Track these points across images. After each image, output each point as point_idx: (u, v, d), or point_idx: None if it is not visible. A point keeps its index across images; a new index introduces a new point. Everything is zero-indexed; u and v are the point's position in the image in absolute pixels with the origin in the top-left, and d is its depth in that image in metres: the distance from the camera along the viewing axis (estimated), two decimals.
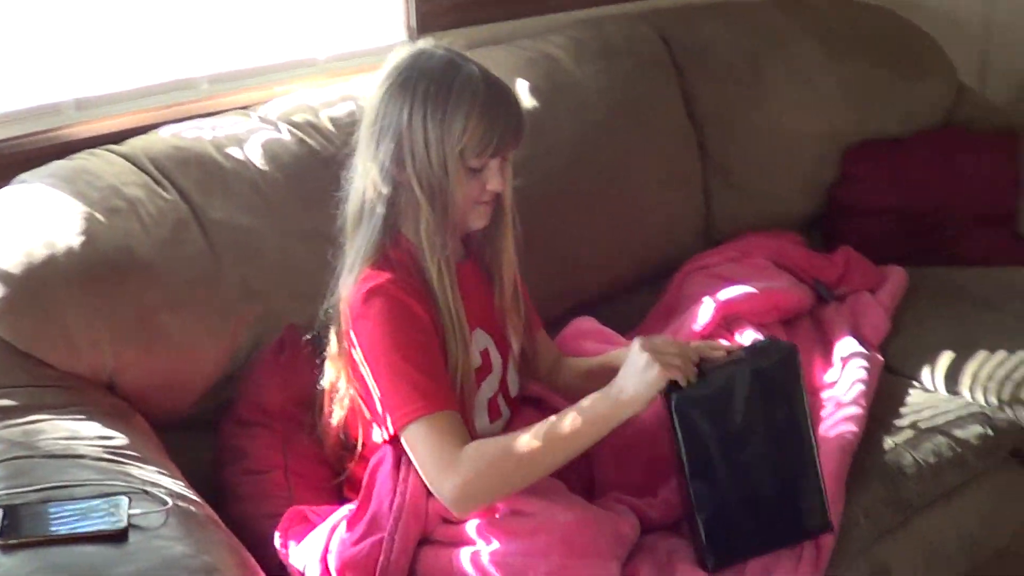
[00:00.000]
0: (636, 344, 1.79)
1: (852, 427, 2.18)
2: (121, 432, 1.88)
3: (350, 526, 1.82)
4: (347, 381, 1.92)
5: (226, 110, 2.38)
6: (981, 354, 2.49)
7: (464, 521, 1.81)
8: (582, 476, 2.02)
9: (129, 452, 1.83)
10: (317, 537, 1.86)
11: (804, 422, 1.84)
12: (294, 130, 2.30)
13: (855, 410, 2.23)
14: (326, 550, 1.83)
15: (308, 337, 2.04)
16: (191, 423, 2.14)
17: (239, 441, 2.06)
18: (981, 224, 2.94)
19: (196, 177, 2.17)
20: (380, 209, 1.86)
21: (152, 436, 1.98)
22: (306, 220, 2.22)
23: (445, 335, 1.86)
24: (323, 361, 1.99)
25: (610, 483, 2.02)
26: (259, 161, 2.23)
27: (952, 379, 2.46)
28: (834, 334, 2.53)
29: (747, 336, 2.42)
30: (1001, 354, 2.48)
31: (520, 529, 1.75)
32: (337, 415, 1.95)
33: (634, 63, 2.74)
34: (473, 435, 1.84)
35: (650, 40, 2.82)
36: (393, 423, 1.81)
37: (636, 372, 1.75)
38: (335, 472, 2.05)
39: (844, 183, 3.01)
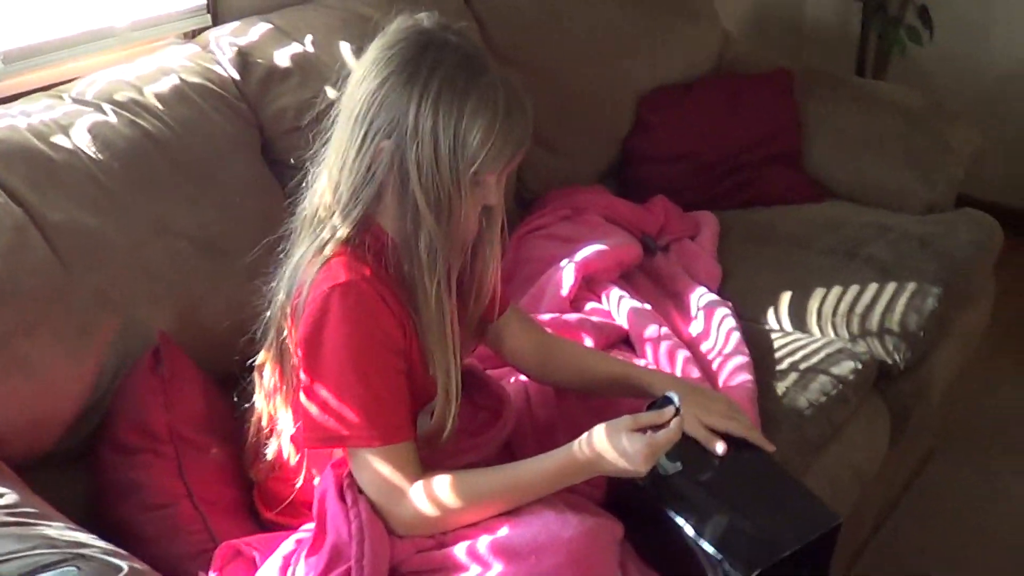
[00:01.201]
0: (637, 441, 1.62)
1: (748, 375, 2.17)
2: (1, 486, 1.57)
3: (309, 560, 1.60)
4: (285, 383, 1.68)
5: (29, 92, 2.04)
6: (816, 292, 2.54)
7: (447, 545, 1.62)
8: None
9: (26, 509, 1.53)
10: (267, 575, 1.62)
11: None
12: (120, 111, 1.99)
13: (742, 359, 2.22)
14: None
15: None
16: (48, 460, 1.82)
17: (127, 472, 1.77)
18: (771, 164, 2.99)
19: (24, 173, 1.84)
20: (358, 210, 1.60)
21: (24, 484, 1.67)
22: (153, 213, 1.95)
23: (426, 354, 1.65)
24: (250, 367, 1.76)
25: None
26: (91, 150, 1.92)
27: (798, 318, 2.49)
28: (677, 285, 2.51)
29: (613, 296, 2.35)
30: (836, 290, 2.54)
31: (523, 550, 1.58)
32: (288, 426, 1.70)
33: None
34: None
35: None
36: (342, 440, 1.60)
37: (621, 459, 1.61)
38: (247, 491, 1.83)
39: (639, 132, 2.98)
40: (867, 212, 2.90)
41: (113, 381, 1.84)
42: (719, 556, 1.61)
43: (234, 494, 1.81)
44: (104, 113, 1.98)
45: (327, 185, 1.63)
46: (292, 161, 2.10)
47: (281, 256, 1.72)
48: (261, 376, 1.73)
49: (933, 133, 2.99)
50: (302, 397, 1.61)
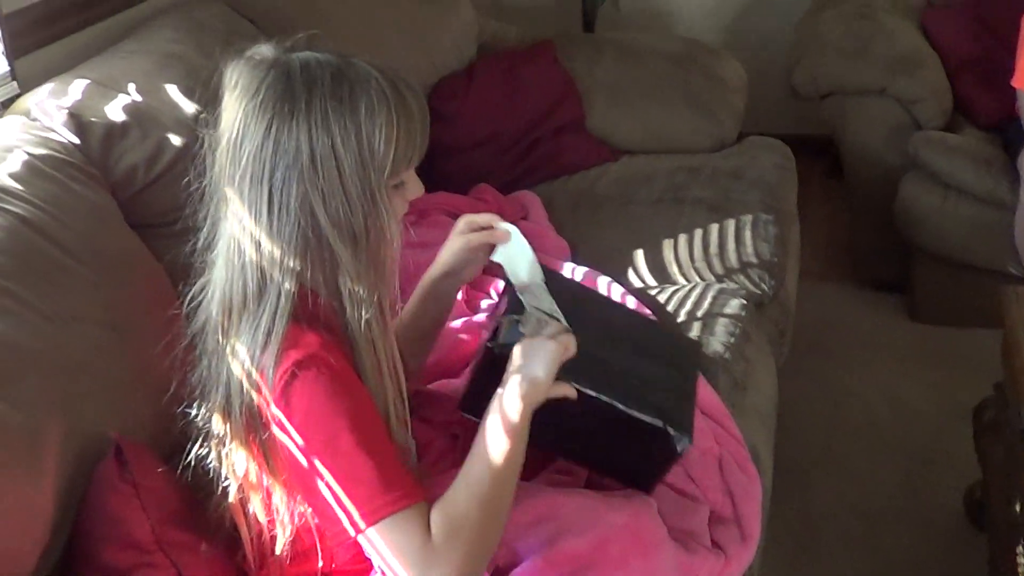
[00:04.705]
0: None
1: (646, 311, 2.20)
2: None
3: None
4: (274, 474, 1.50)
5: None
6: (664, 243, 2.60)
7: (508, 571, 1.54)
8: None
9: None
10: None
11: None
12: None
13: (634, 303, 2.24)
14: None
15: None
16: None
17: None
18: (562, 133, 3.02)
19: None
20: (295, 264, 1.44)
21: None
22: (59, 305, 1.74)
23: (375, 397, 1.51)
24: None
25: None
26: None
27: (660, 272, 2.53)
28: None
29: (501, 288, 2.30)
30: (683, 237, 2.61)
31: (586, 548, 1.53)
32: (258, 510, 1.54)
33: (248, 46, 2.39)
34: None
35: (236, 19, 2.52)
36: (352, 524, 1.43)
37: (536, 355, 1.51)
38: None
39: (437, 125, 2.88)
40: (666, 159, 2.99)
41: (71, 493, 1.63)
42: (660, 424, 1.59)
43: None
44: None
45: (248, 265, 1.46)
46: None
47: (203, 353, 1.54)
48: (240, 476, 1.54)
49: (703, 71, 3.11)
50: (312, 494, 1.46)
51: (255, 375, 1.44)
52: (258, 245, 1.44)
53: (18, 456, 1.55)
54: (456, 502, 1.45)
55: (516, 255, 1.69)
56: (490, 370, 1.57)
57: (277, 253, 1.43)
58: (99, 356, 1.75)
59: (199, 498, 1.62)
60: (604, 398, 1.58)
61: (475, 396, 1.60)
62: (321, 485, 1.43)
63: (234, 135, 1.43)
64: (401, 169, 1.47)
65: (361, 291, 1.46)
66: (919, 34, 3.46)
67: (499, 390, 1.51)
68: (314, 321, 1.47)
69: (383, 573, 1.46)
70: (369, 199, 1.43)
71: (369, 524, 1.41)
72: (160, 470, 1.67)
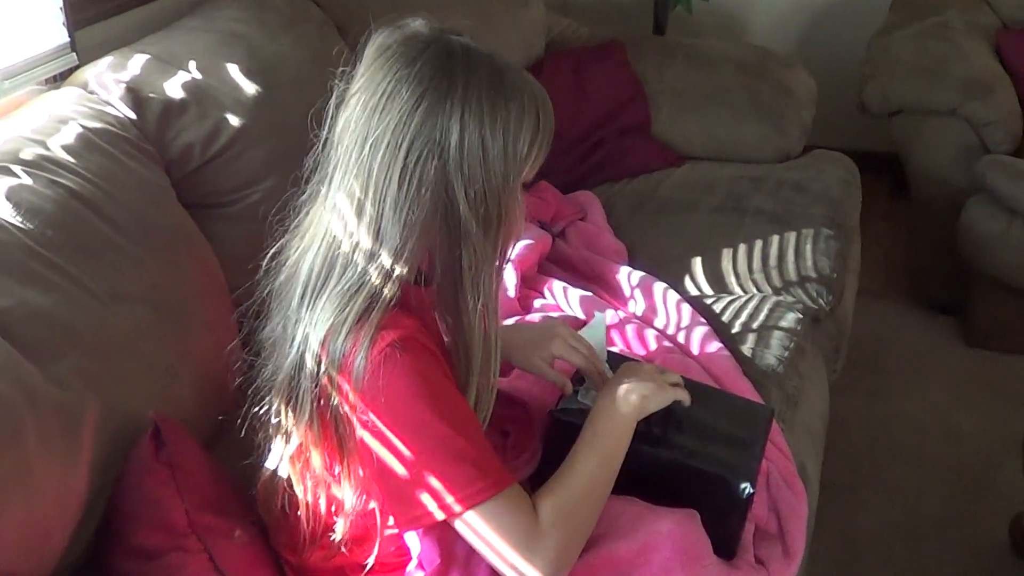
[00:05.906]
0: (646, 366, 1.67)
1: (718, 343, 2.15)
2: None
3: None
4: (343, 458, 1.46)
5: None
6: (723, 251, 2.54)
7: None
8: None
9: None
10: None
11: None
12: (34, 172, 1.74)
13: (704, 328, 2.19)
14: None
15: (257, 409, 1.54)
16: None
17: None
18: (626, 135, 2.98)
19: None
20: (411, 246, 1.40)
21: None
22: (104, 281, 1.72)
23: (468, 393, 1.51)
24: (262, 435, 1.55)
25: None
26: (17, 219, 1.67)
27: (716, 281, 2.48)
28: (596, 268, 2.44)
29: (557, 288, 2.27)
30: (742, 247, 2.55)
31: (628, 555, 1.52)
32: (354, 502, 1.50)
33: (312, 29, 2.42)
34: None
35: (302, 1, 2.49)
36: (444, 508, 1.40)
37: (652, 389, 1.60)
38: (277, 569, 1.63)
39: None
40: (729, 167, 2.94)
41: (107, 471, 1.61)
42: (723, 474, 1.62)
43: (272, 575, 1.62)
44: (16, 176, 1.72)
45: (354, 233, 1.42)
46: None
47: (278, 311, 1.51)
48: (299, 459, 1.51)
49: (774, 81, 3.06)
50: (386, 475, 1.42)
51: (340, 346, 1.40)
52: (374, 216, 1.40)
53: (55, 432, 1.52)
54: (566, 490, 1.48)
55: (591, 337, 1.79)
56: (552, 438, 1.67)
57: (400, 221, 1.39)
58: (142, 336, 1.73)
59: (243, 465, 1.60)
60: (661, 453, 1.63)
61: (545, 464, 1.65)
62: (403, 468, 1.40)
63: (376, 99, 1.40)
64: (535, 166, 1.48)
65: (485, 275, 1.45)
66: (993, 56, 3.38)
67: (607, 390, 1.59)
68: (413, 306, 1.46)
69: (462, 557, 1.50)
70: (508, 190, 1.42)
71: (468, 507, 1.40)
72: (197, 453, 1.66)
